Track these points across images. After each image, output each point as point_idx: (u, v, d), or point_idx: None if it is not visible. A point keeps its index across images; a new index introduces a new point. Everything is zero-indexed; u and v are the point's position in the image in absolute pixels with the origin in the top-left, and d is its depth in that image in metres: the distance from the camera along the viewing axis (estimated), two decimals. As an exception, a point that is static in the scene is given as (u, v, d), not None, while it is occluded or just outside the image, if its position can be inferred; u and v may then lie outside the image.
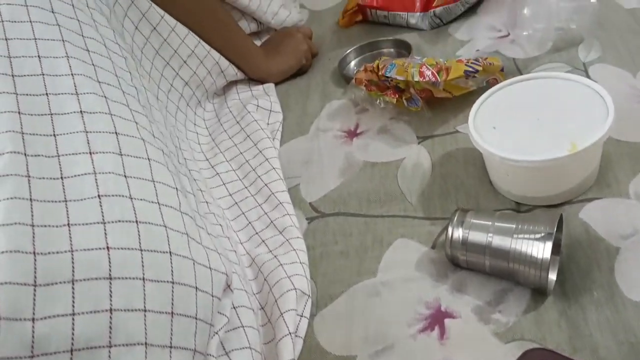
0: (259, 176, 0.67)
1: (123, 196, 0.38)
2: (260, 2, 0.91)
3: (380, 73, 0.69)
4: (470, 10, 0.86)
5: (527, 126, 0.54)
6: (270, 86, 0.84)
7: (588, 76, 0.68)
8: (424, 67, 0.64)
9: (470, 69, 0.63)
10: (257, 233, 0.60)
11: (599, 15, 0.72)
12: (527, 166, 0.51)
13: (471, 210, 0.51)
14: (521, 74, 0.72)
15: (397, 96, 0.69)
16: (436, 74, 0.63)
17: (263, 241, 0.59)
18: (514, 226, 0.48)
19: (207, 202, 0.59)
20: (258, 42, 0.96)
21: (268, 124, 0.77)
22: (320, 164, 0.69)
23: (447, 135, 0.66)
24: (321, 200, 0.64)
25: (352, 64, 0.87)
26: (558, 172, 0.53)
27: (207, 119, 0.79)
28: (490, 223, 0.49)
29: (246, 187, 0.66)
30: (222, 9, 0.79)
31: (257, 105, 0.77)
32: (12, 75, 0.42)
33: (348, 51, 0.87)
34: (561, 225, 0.50)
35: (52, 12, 0.47)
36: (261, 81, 0.86)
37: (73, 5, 0.49)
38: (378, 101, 0.72)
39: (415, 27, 0.88)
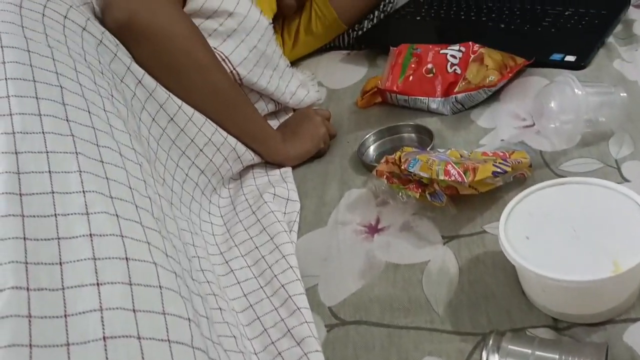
0: (275, 275, 0.63)
1: (131, 337, 0.35)
2: (279, 84, 0.90)
3: (402, 167, 0.66)
4: (493, 97, 0.84)
5: (563, 238, 0.51)
6: (287, 171, 0.82)
7: (621, 174, 0.65)
8: (450, 165, 0.62)
9: (499, 170, 0.60)
10: (272, 343, 0.56)
11: (628, 108, 0.70)
12: (566, 286, 0.47)
13: (508, 332, 0.47)
14: (549, 168, 0.69)
15: (420, 190, 0.67)
16: (463, 175, 0.60)
17: (279, 353, 0.55)
18: (557, 357, 0.44)
19: (220, 309, 0.56)
20: (276, 122, 0.94)
21: (285, 213, 0.74)
22: (339, 262, 0.66)
23: (474, 235, 0.63)
24: (341, 305, 0.60)
25: (372, 148, 0.85)
26: (600, 291, 0.49)
27: (222, 206, 0.77)
28: (529, 351, 0.45)
29: (262, 287, 0.63)
30: (239, 94, 0.78)
31: (274, 194, 0.75)
32: (20, 194, 0.39)
33: (367, 135, 0.85)
34: (607, 358, 0.45)
35: (67, 120, 0.46)
36: (278, 165, 0.84)
37: (89, 112, 0.48)
38: (400, 194, 0.69)
39: (436, 112, 0.86)
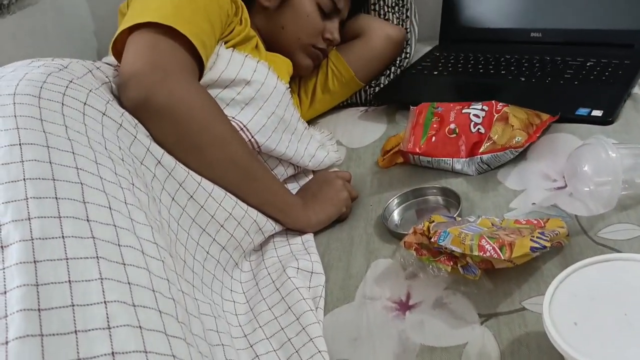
0: (304, 361, 0.60)
1: None
2: (297, 147, 0.89)
3: (432, 240, 0.63)
4: (519, 155, 0.81)
5: (614, 324, 0.47)
6: (309, 240, 0.79)
7: (666, 241, 0.61)
8: (484, 239, 0.59)
9: (538, 246, 0.57)
10: None
11: (666, 169, 0.67)
12: (623, 381, 0.43)
13: None
14: (587, 235, 0.66)
15: (451, 263, 0.63)
16: (499, 251, 0.57)
17: None
18: None
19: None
20: (295, 185, 0.93)
21: (310, 288, 0.71)
22: (371, 344, 0.62)
23: (514, 313, 0.59)
24: (375, 394, 0.57)
25: (396, 212, 0.82)
26: (660, 385, 0.45)
27: (244, 281, 0.74)
28: None
29: (290, 374, 0.60)
30: (258, 165, 0.77)
31: (298, 268, 0.72)
32: (39, 310, 0.37)
33: (391, 199, 0.82)
34: None
35: (87, 220, 0.44)
36: (299, 231, 0.81)
37: (110, 208, 0.46)
38: (430, 267, 0.66)
39: (461, 172, 0.84)
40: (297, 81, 1.11)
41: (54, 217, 0.42)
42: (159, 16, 0.70)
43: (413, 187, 0.84)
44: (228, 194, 0.72)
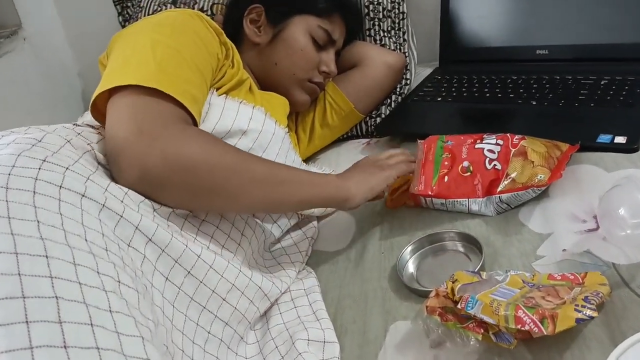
0: None
1: None
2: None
3: (459, 307, 0.57)
4: (542, 192, 0.75)
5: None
6: (317, 301, 0.73)
7: None
8: (520, 310, 0.52)
9: (584, 317, 0.51)
10: None
11: None
12: None
13: None
14: (629, 287, 0.59)
15: (482, 330, 0.57)
16: (539, 324, 0.51)
17: None
18: None
19: None
20: (301, 236, 0.87)
21: (324, 360, 0.64)
22: None
23: (559, 389, 0.53)
24: None
25: (411, 262, 0.76)
26: None
27: (249, 356, 0.67)
28: None
29: None
30: (274, 166, 0.70)
31: (308, 340, 0.65)
32: None
33: (405, 249, 0.76)
34: None
35: (64, 347, 0.38)
36: (342, 208, 0.77)
37: (92, 324, 0.40)
38: (458, 334, 0.59)
39: (478, 214, 0.77)
40: (294, 117, 1.05)
41: (25, 349, 0.36)
42: (141, 77, 0.64)
43: (428, 232, 0.78)
44: (231, 262, 0.65)
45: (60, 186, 0.50)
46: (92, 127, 0.69)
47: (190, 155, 0.61)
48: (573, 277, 0.59)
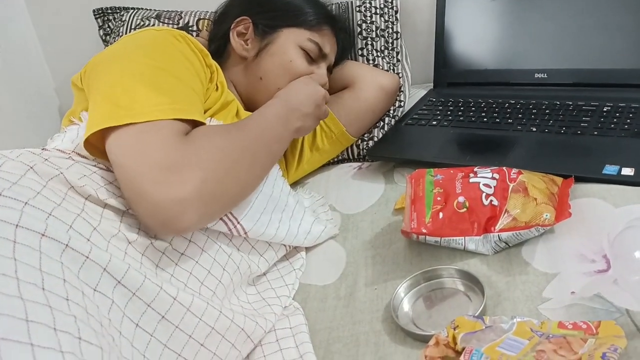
0: None
1: None
2: (290, 226, 0.77)
3: (463, 359, 0.52)
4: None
5: None
6: (305, 342, 0.67)
7: None
8: (531, 368, 0.47)
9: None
10: None
11: None
12: None
13: None
14: (645, 337, 0.54)
15: (487, 386, 0.52)
16: (555, 387, 0.45)
17: None
18: None
19: None
20: (289, 267, 0.81)
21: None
22: None
23: None
24: None
25: (406, 301, 0.70)
26: None
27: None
28: None
29: None
30: (240, 128, 0.69)
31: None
32: None
33: (399, 287, 0.70)
34: None
35: None
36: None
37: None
38: (461, 387, 0.54)
39: (475, 252, 0.72)
40: (282, 141, 1.00)
41: None
42: (140, 113, 0.61)
43: (424, 268, 0.72)
44: (211, 303, 0.60)
45: (17, 225, 0.45)
46: (62, 151, 0.63)
47: (202, 165, 0.60)
48: (586, 326, 0.54)
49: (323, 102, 0.84)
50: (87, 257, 0.49)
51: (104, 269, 0.50)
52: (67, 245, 0.47)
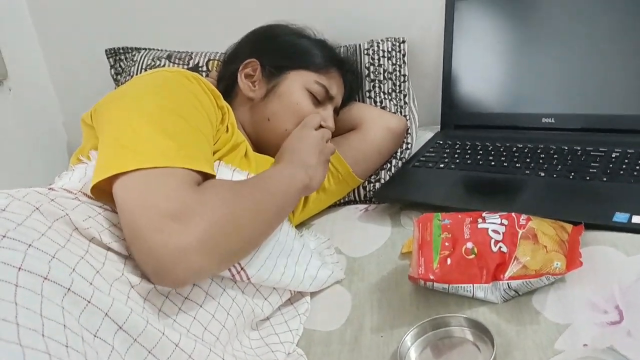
0: None
1: None
2: (295, 271, 0.76)
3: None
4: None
5: None
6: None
7: None
8: None
9: None
10: None
11: None
12: None
13: None
14: (663, 395, 0.52)
15: None
16: None
17: None
18: None
19: None
20: (293, 312, 0.79)
21: None
22: None
23: None
24: None
25: (413, 350, 0.68)
26: None
27: None
28: None
29: None
30: (251, 189, 0.69)
31: None
32: None
33: (406, 335, 0.69)
34: None
35: None
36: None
37: None
38: None
39: (484, 300, 0.71)
40: (288, 181, 1.00)
41: None
42: (152, 158, 0.61)
43: (432, 315, 0.71)
44: (214, 349, 0.58)
45: (20, 268, 0.44)
46: (69, 191, 0.63)
47: (212, 217, 0.59)
48: (600, 381, 0.52)
49: (324, 142, 0.84)
50: (89, 302, 0.48)
51: (106, 313, 0.49)
52: (69, 289, 0.47)
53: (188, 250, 0.55)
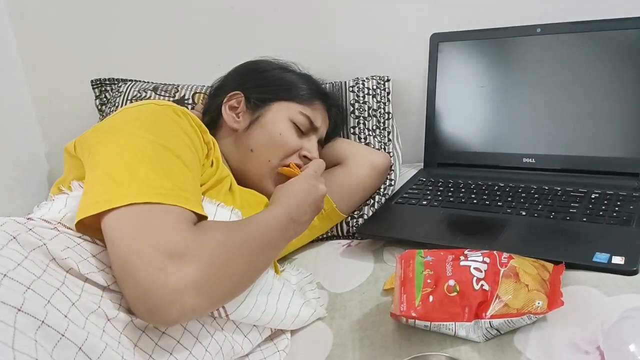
0: None
1: None
2: (277, 309, 0.74)
3: None
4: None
5: None
6: None
7: None
8: None
9: None
10: None
11: None
12: None
13: None
14: None
15: None
16: None
17: None
18: None
19: None
20: (273, 349, 0.77)
21: None
22: None
23: None
24: None
25: (396, 389, 0.67)
26: None
27: None
28: None
29: None
30: (243, 230, 0.67)
31: None
32: None
33: (390, 374, 0.68)
34: None
35: None
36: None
37: None
38: None
39: (466, 339, 0.70)
40: (271, 214, 0.99)
41: None
42: (145, 193, 0.59)
43: (413, 354, 0.70)
44: None
45: (-7, 301, 0.43)
46: (48, 222, 0.62)
47: (207, 259, 0.58)
48: None
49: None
50: (63, 335, 0.46)
51: (80, 347, 0.47)
52: (42, 322, 0.45)
53: (184, 291, 0.54)
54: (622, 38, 0.95)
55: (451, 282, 0.71)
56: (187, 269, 0.54)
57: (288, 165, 0.91)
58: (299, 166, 0.92)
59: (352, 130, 1.11)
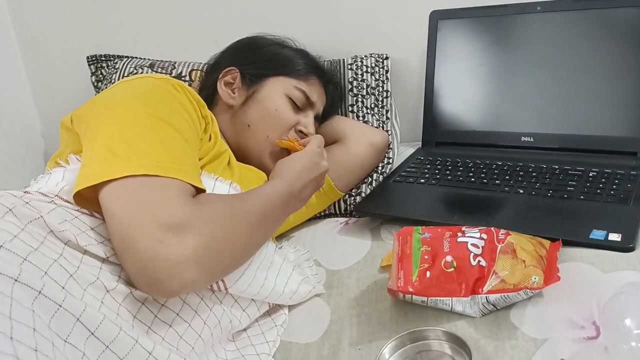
0: None
1: None
2: (275, 285, 0.75)
3: None
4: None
5: None
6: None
7: None
8: None
9: None
10: None
11: None
12: None
13: None
14: (638, 410, 0.53)
15: None
16: None
17: None
18: None
19: None
20: (270, 324, 0.78)
21: None
22: None
23: None
24: None
25: (391, 362, 0.68)
26: None
27: None
28: None
29: None
30: (246, 203, 0.68)
31: None
32: None
33: (384, 347, 0.68)
34: None
35: None
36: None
37: None
38: None
39: (462, 314, 0.70)
40: (269, 192, 0.99)
41: None
42: (146, 165, 0.59)
43: (410, 329, 0.70)
44: (188, 359, 0.57)
45: (-10, 273, 0.42)
46: (45, 194, 0.61)
47: (206, 232, 0.58)
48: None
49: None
50: (60, 306, 0.46)
51: (77, 318, 0.47)
52: (40, 292, 0.45)
53: (185, 264, 0.54)
54: (623, 16, 0.94)
55: (448, 258, 0.71)
56: (188, 241, 0.54)
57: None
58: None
59: (350, 108, 1.10)
